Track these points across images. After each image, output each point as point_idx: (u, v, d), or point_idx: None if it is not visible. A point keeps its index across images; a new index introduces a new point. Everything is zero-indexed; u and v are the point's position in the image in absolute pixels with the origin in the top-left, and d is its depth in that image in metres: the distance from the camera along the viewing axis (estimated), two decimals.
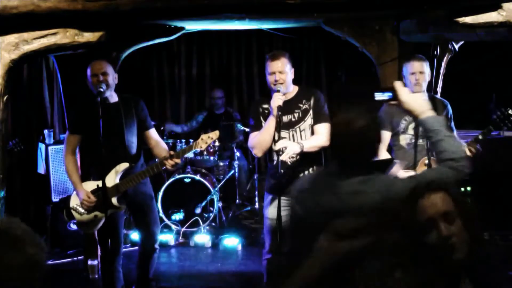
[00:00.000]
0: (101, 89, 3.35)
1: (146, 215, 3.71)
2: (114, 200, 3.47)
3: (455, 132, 3.87)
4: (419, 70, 3.63)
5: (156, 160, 3.59)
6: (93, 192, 3.48)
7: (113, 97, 3.58)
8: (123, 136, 3.52)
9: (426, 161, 3.50)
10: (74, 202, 3.57)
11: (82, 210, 3.53)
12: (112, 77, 3.52)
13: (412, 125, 3.68)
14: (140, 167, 3.67)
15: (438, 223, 1.56)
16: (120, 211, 3.59)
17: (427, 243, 1.52)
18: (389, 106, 3.75)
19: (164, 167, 3.39)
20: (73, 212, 3.56)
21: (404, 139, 3.71)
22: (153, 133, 3.69)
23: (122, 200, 3.55)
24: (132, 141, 3.59)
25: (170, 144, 5.73)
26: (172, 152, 3.37)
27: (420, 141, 3.66)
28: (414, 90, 3.61)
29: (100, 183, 3.35)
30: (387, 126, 3.71)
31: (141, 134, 3.64)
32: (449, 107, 3.86)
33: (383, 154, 3.65)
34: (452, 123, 3.88)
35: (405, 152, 3.69)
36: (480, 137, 3.60)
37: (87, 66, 3.52)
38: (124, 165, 3.51)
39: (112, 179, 3.49)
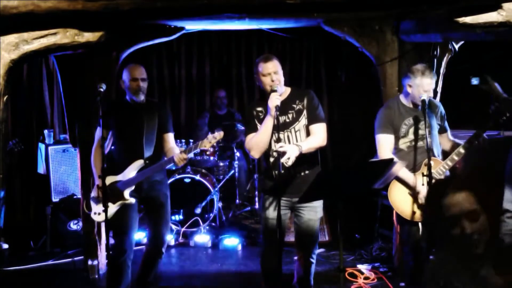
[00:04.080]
0: (101, 89, 3.40)
1: (158, 213, 3.81)
2: (126, 193, 3.62)
3: (449, 132, 3.87)
4: (429, 89, 3.59)
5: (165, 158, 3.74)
6: (111, 184, 3.63)
7: (140, 98, 3.72)
8: (142, 135, 3.66)
9: (427, 162, 3.48)
10: (94, 193, 3.77)
11: (98, 200, 3.72)
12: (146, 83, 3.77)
13: (412, 129, 3.67)
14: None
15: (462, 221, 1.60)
16: (129, 203, 3.66)
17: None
18: (387, 109, 3.76)
19: (174, 163, 3.52)
20: (91, 202, 3.77)
21: (404, 143, 3.70)
22: (170, 137, 3.83)
23: (133, 194, 3.67)
24: (152, 140, 3.71)
25: None
26: (182, 149, 3.53)
27: (420, 143, 3.65)
28: (417, 101, 3.61)
29: (118, 177, 3.63)
30: (389, 129, 3.68)
31: (159, 136, 3.76)
32: (441, 107, 3.84)
33: (387, 157, 3.61)
34: (446, 123, 3.86)
35: (405, 155, 3.68)
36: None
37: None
38: (139, 162, 3.64)
39: (127, 173, 3.64)
